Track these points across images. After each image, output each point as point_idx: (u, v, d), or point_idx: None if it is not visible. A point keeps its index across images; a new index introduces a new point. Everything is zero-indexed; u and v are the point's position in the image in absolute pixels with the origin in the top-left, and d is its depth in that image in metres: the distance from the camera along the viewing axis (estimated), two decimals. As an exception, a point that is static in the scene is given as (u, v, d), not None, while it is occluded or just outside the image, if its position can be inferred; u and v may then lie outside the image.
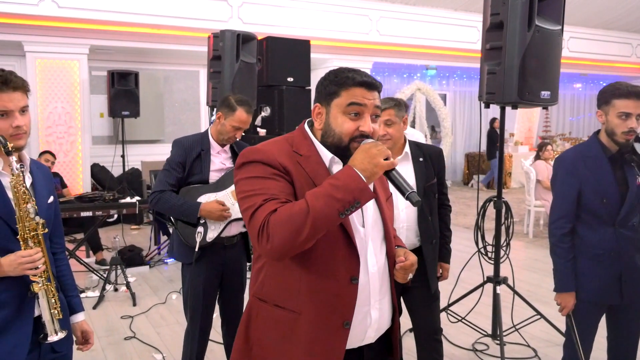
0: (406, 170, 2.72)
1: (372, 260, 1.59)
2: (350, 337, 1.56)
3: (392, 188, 1.63)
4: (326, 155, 1.59)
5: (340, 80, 1.55)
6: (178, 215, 2.81)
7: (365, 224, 1.60)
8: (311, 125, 1.65)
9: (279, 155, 1.54)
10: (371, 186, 1.50)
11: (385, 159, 1.44)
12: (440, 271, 2.90)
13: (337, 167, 1.58)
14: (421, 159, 2.75)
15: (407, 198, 1.47)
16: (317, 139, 1.61)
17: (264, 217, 1.42)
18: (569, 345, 2.71)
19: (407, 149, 2.73)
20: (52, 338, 1.87)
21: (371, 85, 1.55)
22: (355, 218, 1.58)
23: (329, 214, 1.38)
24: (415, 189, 1.48)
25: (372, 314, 1.60)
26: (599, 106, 2.55)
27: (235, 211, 2.84)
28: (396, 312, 1.72)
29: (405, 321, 2.74)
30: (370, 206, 1.62)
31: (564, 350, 2.79)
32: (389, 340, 1.74)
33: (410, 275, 1.65)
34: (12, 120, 1.79)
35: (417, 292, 2.77)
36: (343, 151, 1.55)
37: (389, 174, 1.49)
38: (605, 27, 12.06)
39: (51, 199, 1.98)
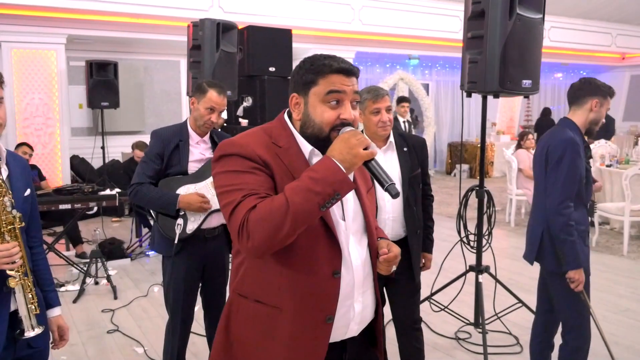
0: (391, 160, 2.71)
1: (355, 253, 1.56)
2: (333, 332, 1.54)
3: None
4: (306, 147, 1.55)
5: (317, 67, 1.50)
6: (156, 207, 2.77)
7: (346, 217, 1.57)
8: (290, 116, 1.60)
9: (257, 147, 1.49)
10: (351, 176, 1.46)
11: (364, 149, 1.40)
12: (423, 261, 2.90)
13: (316, 159, 1.53)
14: (405, 149, 2.74)
15: (386, 190, 1.43)
16: (296, 130, 1.57)
17: (243, 215, 1.38)
18: (575, 328, 2.70)
19: (391, 138, 2.72)
20: (29, 334, 1.83)
21: (349, 71, 1.51)
22: (335, 211, 1.54)
23: (308, 208, 1.35)
24: (394, 181, 1.44)
25: (355, 307, 1.57)
26: (594, 96, 2.69)
27: (216, 202, 2.79)
28: (379, 304, 1.69)
29: (387, 311, 2.75)
30: (351, 198, 1.59)
31: (569, 335, 2.74)
32: (372, 332, 1.72)
33: (394, 267, 1.63)
34: None
35: (401, 283, 2.76)
36: (323, 141, 1.50)
37: (368, 165, 1.44)
38: (585, 16, 12.14)
39: (28, 191, 1.93)
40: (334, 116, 1.49)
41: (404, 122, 8.79)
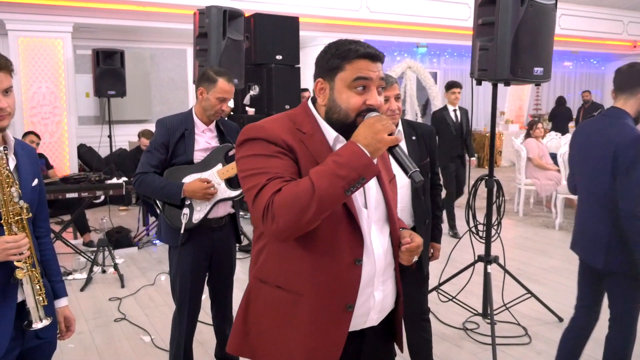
0: None
1: (377, 242, 1.55)
2: (353, 320, 1.53)
3: (394, 166, 1.59)
4: (330, 133, 1.54)
5: (343, 52, 1.48)
6: (161, 197, 2.75)
7: (368, 205, 1.56)
8: (314, 102, 1.59)
9: (282, 132, 1.48)
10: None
11: (389, 135, 1.40)
12: (432, 251, 2.87)
13: (340, 145, 1.51)
14: (414, 138, 2.70)
15: (410, 177, 1.42)
16: (321, 116, 1.56)
17: (268, 197, 1.38)
18: (629, 325, 2.61)
19: (400, 127, 2.68)
20: (37, 325, 1.82)
21: (375, 56, 1.50)
22: (358, 199, 1.54)
23: (334, 192, 1.35)
24: (417, 168, 1.44)
25: (375, 296, 1.57)
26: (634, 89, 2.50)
27: (221, 191, 2.78)
28: (400, 295, 1.68)
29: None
30: (373, 187, 1.59)
31: (619, 330, 2.63)
32: (392, 323, 1.71)
33: (416, 258, 1.62)
34: None
35: (409, 273, 2.74)
36: (349, 127, 1.49)
37: (392, 150, 1.44)
38: (596, 3, 11.98)
39: (35, 181, 1.90)
40: (360, 102, 1.48)
41: (454, 110, 6.36)
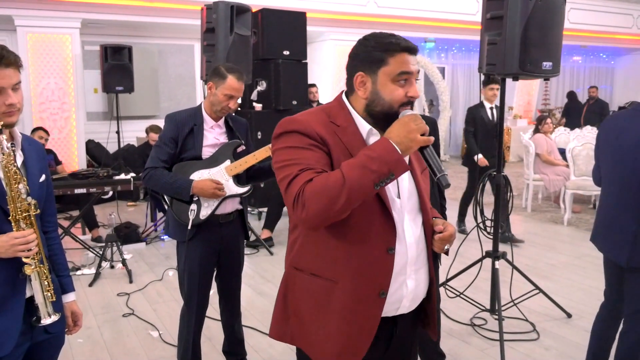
0: None
1: (409, 231, 1.60)
2: (386, 306, 1.58)
3: None
4: (364, 126, 1.59)
5: (385, 46, 1.53)
6: (170, 192, 2.75)
7: (401, 195, 1.61)
8: (347, 96, 1.64)
9: (316, 125, 1.54)
10: (406, 158, 1.51)
11: (422, 135, 1.45)
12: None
13: (374, 138, 1.58)
14: None
15: (438, 180, 1.48)
16: (356, 109, 1.60)
17: (299, 186, 1.43)
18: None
19: None
20: (45, 321, 1.83)
21: (414, 50, 1.56)
22: (391, 189, 1.59)
23: (364, 184, 1.39)
24: (446, 172, 1.49)
25: (408, 284, 1.61)
26: None
27: (230, 187, 2.78)
28: (433, 284, 1.72)
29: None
30: (406, 178, 1.63)
31: (634, 327, 2.60)
32: (424, 311, 1.76)
33: (448, 246, 1.65)
34: (5, 98, 1.72)
35: None
36: (392, 117, 1.53)
37: (423, 151, 1.50)
38: (606, -3, 11.88)
39: (43, 177, 1.91)
40: (403, 94, 1.54)
41: (491, 108, 5.88)
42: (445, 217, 2.92)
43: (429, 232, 1.66)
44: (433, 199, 2.75)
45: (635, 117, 2.54)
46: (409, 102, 1.55)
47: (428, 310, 1.76)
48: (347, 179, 1.39)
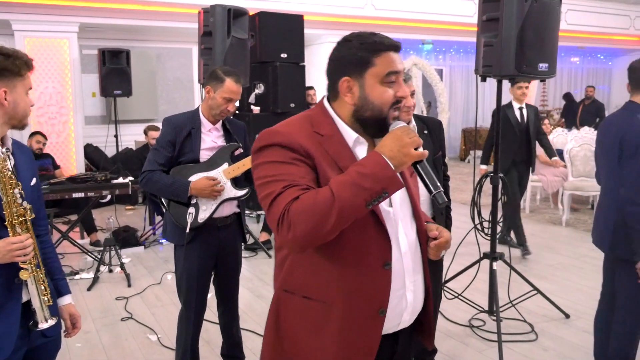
0: None
1: (404, 240, 1.51)
2: (386, 323, 1.49)
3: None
4: (350, 135, 1.48)
5: (370, 46, 1.44)
6: (168, 195, 2.76)
7: (393, 204, 1.51)
8: (329, 101, 1.53)
9: (299, 136, 1.42)
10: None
11: (415, 149, 1.36)
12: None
13: (361, 147, 1.49)
14: (426, 132, 2.80)
15: (434, 197, 1.39)
16: (341, 116, 1.50)
17: (284, 206, 1.32)
18: (633, 315, 2.68)
19: (413, 122, 2.75)
20: (43, 325, 1.83)
21: (398, 47, 1.48)
22: None
23: (355, 203, 1.29)
24: (442, 189, 1.41)
25: (407, 297, 1.52)
26: None
27: (227, 190, 2.78)
28: (429, 292, 1.63)
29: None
30: None
31: (624, 320, 2.70)
32: (419, 320, 1.65)
33: (443, 252, 1.59)
34: (30, 101, 1.83)
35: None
36: (382, 122, 1.45)
37: (417, 166, 1.40)
38: (603, -2, 11.91)
39: (34, 180, 1.91)
40: (392, 95, 1.45)
41: (520, 108, 5.43)
42: (450, 219, 2.95)
43: (424, 238, 1.58)
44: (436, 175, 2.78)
45: (618, 116, 2.69)
46: (398, 102, 1.46)
47: (423, 319, 1.66)
48: (337, 197, 1.28)
